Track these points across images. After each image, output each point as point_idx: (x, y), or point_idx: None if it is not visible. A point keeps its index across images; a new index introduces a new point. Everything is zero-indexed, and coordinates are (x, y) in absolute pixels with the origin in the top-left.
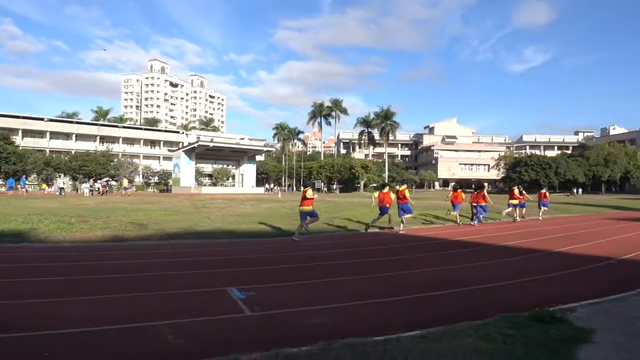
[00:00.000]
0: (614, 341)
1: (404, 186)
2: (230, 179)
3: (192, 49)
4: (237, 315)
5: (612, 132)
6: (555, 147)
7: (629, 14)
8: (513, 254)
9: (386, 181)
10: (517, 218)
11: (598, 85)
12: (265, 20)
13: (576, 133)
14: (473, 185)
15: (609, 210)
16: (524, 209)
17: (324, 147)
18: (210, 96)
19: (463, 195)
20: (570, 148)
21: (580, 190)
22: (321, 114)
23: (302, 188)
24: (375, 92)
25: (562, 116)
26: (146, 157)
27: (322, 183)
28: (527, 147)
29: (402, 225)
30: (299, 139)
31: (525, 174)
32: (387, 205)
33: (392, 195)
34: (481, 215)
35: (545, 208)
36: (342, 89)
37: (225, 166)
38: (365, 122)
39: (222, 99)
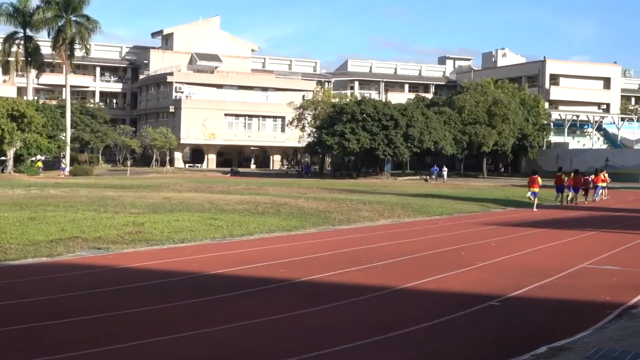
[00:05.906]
0: None
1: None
2: None
3: None
4: None
5: (500, 63)
6: (406, 87)
7: None
8: (318, 298)
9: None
10: None
11: None
12: None
13: (442, 61)
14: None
15: (493, 208)
16: None
17: None
18: None
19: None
20: (432, 89)
21: (445, 170)
22: None
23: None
24: None
25: (419, 31)
26: None
27: None
28: (356, 83)
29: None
30: None
31: (352, 138)
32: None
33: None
34: (596, 196)
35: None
36: None
37: None
38: (18, 15)
39: None
